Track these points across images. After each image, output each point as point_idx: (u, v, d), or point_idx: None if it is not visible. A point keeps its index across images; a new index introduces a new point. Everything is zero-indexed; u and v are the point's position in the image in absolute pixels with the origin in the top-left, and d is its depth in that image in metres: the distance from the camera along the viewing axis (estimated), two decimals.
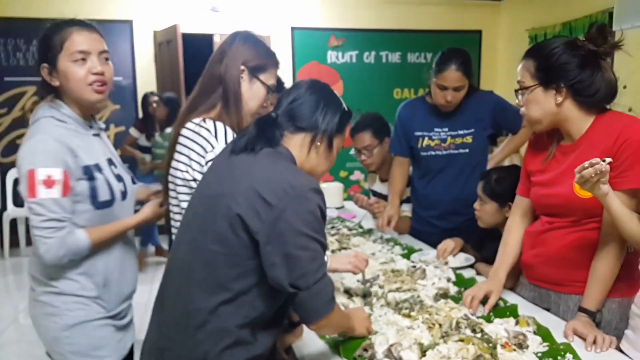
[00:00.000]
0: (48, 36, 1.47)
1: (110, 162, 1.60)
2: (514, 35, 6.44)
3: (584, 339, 1.40)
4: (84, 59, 1.46)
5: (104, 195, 1.50)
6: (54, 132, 1.44)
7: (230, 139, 1.51)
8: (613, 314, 1.52)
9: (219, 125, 1.53)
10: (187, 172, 1.54)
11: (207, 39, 5.80)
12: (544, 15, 5.84)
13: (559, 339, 1.41)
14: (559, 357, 1.31)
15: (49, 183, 1.38)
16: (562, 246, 1.57)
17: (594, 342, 1.38)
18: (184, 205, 1.55)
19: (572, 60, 1.48)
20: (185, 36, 5.29)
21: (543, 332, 1.44)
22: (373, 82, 6.47)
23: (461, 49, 2.38)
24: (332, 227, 2.73)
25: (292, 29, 6.20)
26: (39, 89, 1.54)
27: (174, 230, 1.64)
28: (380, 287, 1.76)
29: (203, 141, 1.51)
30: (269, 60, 1.66)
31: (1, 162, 5.45)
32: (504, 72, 6.71)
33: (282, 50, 6.09)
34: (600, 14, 5.07)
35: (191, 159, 1.53)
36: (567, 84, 1.49)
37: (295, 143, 1.28)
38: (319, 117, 1.28)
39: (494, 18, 6.75)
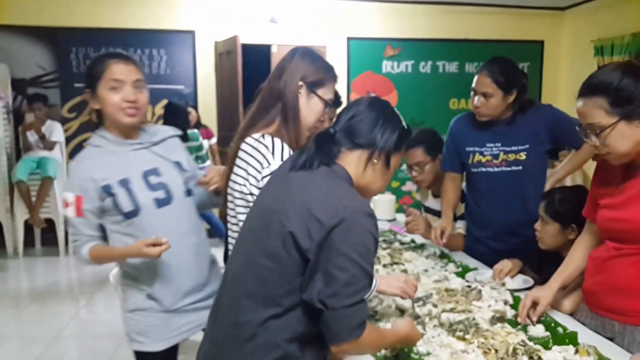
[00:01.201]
0: (91, 66, 1.69)
1: (150, 172, 1.71)
2: (578, 45, 6.22)
3: None
4: (119, 87, 1.63)
5: (126, 207, 1.66)
6: (84, 161, 1.70)
7: (286, 155, 1.54)
8: None
9: (277, 141, 1.57)
10: (244, 185, 1.59)
11: (265, 49, 5.92)
12: (612, 25, 5.60)
13: None
14: None
15: (66, 204, 1.67)
16: (629, 274, 1.49)
17: None
18: (241, 217, 1.60)
19: None
20: (244, 46, 5.41)
21: None
22: (429, 92, 6.40)
23: (505, 58, 2.29)
24: (384, 241, 2.70)
25: (348, 39, 6.23)
26: (90, 110, 1.84)
27: (230, 241, 1.69)
28: (434, 306, 1.72)
29: (260, 157, 1.56)
30: (327, 75, 1.69)
31: (69, 163, 5.77)
32: (567, 84, 6.48)
33: (338, 60, 6.13)
34: None
35: (249, 174, 1.58)
36: None
37: (352, 160, 1.28)
38: (377, 134, 1.28)
39: (557, 28, 6.54)
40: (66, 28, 5.61)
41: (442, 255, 2.45)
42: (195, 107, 5.64)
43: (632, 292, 1.50)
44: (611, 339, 1.55)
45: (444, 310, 1.68)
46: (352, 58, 6.25)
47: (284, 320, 1.17)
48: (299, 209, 1.16)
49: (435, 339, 1.49)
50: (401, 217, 3.37)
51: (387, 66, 6.33)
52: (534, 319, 1.61)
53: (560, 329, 1.58)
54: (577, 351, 1.43)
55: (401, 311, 1.71)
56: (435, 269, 2.22)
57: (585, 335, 1.56)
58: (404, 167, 2.76)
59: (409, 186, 6.41)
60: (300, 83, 1.63)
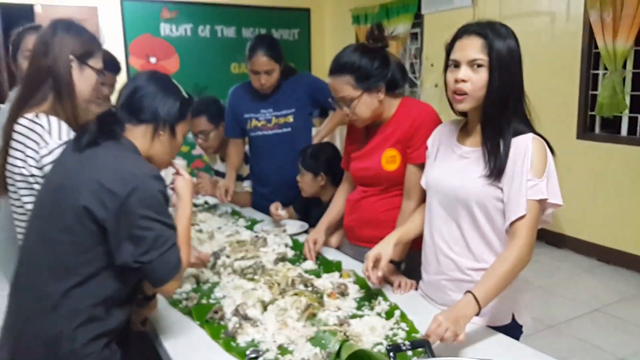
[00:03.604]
0: None
1: None
2: (339, 14, 6.93)
3: (391, 284, 1.77)
4: None
5: None
6: None
7: (65, 132, 1.55)
8: (415, 262, 1.81)
9: (53, 120, 1.56)
10: (24, 167, 1.55)
11: (27, 9, 5.33)
12: None
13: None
14: (372, 300, 1.65)
15: None
16: (374, 210, 1.92)
17: (399, 285, 1.75)
18: (26, 199, 1.58)
19: (380, 62, 1.76)
20: (2, 6, 4.79)
21: (361, 282, 1.77)
22: (210, 57, 6.50)
23: (268, 36, 2.62)
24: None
25: (122, 0, 5.93)
26: None
27: (17, 223, 1.66)
28: (227, 257, 1.96)
29: (37, 137, 1.54)
30: (95, 44, 1.70)
31: None
32: (332, 50, 7.18)
33: (112, 22, 5.83)
34: None
35: (27, 155, 1.54)
36: (385, 81, 1.78)
37: (138, 134, 1.37)
38: (159, 108, 1.37)
39: None
40: None
41: (234, 213, 2.71)
42: None
43: (377, 224, 1.92)
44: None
45: (236, 259, 1.93)
46: (127, 20, 5.99)
47: (85, 288, 1.24)
48: (89, 184, 1.23)
49: (230, 283, 1.74)
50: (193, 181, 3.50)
51: (165, 29, 6.23)
52: (314, 258, 1.98)
53: (330, 258, 1.98)
54: (341, 275, 1.82)
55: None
56: (228, 225, 2.47)
57: (348, 263, 1.97)
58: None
59: (199, 150, 6.50)
60: (71, 57, 1.62)
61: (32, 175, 1.55)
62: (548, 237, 4.64)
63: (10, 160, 1.60)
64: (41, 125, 1.55)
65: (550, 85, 4.39)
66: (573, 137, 4.42)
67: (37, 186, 1.54)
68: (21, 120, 1.58)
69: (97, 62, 1.69)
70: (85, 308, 1.25)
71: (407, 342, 1.22)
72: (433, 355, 1.16)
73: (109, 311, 1.29)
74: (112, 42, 5.70)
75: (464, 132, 1.58)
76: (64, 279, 1.24)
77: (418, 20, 5.74)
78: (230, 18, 6.57)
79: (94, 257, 1.25)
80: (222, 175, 3.00)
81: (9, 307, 1.33)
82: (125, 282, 1.30)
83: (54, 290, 1.23)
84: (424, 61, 5.70)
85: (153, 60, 6.15)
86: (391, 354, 1.14)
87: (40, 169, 1.54)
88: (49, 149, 1.52)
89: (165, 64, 6.23)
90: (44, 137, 1.54)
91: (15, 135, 1.58)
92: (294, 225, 2.41)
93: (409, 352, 1.26)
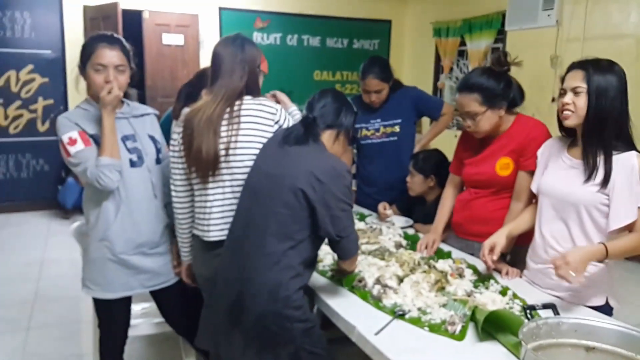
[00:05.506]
0: (83, 47, 2.00)
1: (127, 137, 2.02)
2: (420, 26, 7.21)
3: (499, 271, 2.07)
4: (102, 70, 1.94)
5: None
6: (74, 116, 1.99)
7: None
8: (519, 256, 2.13)
9: (272, 102, 1.93)
10: (260, 136, 1.85)
11: (137, 14, 5.93)
12: (447, 11, 6.65)
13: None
14: (485, 282, 1.95)
15: (73, 142, 1.92)
16: (484, 210, 2.22)
17: (507, 273, 2.04)
18: (248, 163, 1.83)
19: (504, 84, 2.07)
20: (124, 12, 5.39)
21: (473, 267, 2.08)
22: (295, 64, 6.96)
23: (379, 59, 2.96)
24: None
25: (220, 9, 6.47)
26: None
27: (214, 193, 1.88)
28: None
29: (268, 114, 1.87)
30: (260, 52, 2.02)
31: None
32: (410, 60, 7.50)
33: (210, 29, 6.36)
34: (495, 14, 5.92)
35: (263, 124, 1.85)
36: (507, 101, 2.09)
37: (326, 136, 1.78)
38: (342, 118, 1.80)
39: (402, 9, 7.48)
40: None
41: None
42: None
43: (485, 221, 2.22)
44: (472, 254, 2.29)
45: (361, 244, 2.28)
46: (224, 28, 6.52)
47: (297, 249, 1.64)
48: (304, 173, 1.63)
49: (364, 261, 2.08)
50: None
51: (257, 37, 6.72)
52: (431, 253, 2.24)
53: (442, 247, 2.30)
54: (454, 261, 2.13)
55: None
56: None
57: (456, 253, 2.28)
58: None
59: None
60: (258, 70, 1.94)
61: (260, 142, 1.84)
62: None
63: (242, 132, 1.83)
64: (269, 106, 1.88)
65: (633, 105, 4.50)
66: None
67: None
68: (246, 101, 1.85)
69: (264, 66, 2.03)
70: (295, 265, 1.64)
71: (538, 304, 1.52)
72: (557, 314, 1.46)
73: (305, 269, 1.69)
74: (210, 47, 6.22)
75: (572, 145, 1.87)
76: (283, 242, 1.63)
77: (501, 36, 5.94)
78: (316, 28, 7.00)
79: (305, 226, 1.64)
80: None
81: (231, 261, 1.72)
82: (316, 249, 1.70)
83: (276, 250, 1.63)
84: None
85: None
86: (528, 310, 1.45)
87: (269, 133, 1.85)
88: (284, 118, 1.90)
89: None
90: (274, 112, 1.88)
91: (245, 112, 1.83)
92: (400, 220, 2.74)
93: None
